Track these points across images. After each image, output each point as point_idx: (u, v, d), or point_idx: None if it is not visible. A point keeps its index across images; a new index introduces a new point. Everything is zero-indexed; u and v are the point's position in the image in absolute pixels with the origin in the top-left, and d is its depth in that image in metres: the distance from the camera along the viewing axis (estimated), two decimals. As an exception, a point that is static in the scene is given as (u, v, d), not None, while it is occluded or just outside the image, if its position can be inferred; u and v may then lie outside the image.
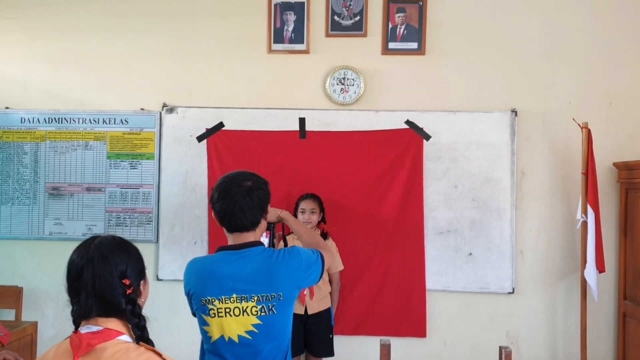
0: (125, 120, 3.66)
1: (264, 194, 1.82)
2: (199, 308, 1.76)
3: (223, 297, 1.73)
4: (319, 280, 1.93)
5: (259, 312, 1.73)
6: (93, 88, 3.71)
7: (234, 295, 1.73)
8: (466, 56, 3.54)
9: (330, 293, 3.34)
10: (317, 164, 3.53)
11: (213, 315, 1.73)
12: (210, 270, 1.76)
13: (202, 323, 1.78)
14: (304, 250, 1.89)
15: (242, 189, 1.77)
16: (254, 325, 1.74)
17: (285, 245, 2.39)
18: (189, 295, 1.81)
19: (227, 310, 1.73)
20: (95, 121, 3.68)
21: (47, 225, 3.68)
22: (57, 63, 3.73)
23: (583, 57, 3.50)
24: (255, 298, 1.73)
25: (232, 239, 1.82)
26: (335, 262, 3.32)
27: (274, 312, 1.75)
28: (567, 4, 3.51)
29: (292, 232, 2.19)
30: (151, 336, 3.76)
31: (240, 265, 1.75)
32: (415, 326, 3.50)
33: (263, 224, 1.86)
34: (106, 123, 3.67)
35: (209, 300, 1.73)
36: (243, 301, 1.72)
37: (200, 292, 1.75)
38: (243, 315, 1.73)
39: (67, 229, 3.67)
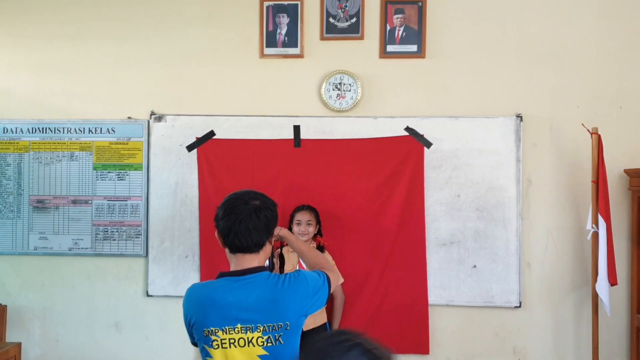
0: (112, 130, 3.50)
1: (271, 215, 1.72)
2: (201, 339, 1.66)
3: (227, 327, 1.63)
4: (325, 305, 1.81)
5: (265, 343, 1.63)
6: (78, 96, 3.56)
7: (239, 326, 1.63)
8: (468, 59, 3.37)
9: (333, 308, 3.20)
10: (313, 173, 3.37)
11: (217, 346, 1.63)
12: (212, 298, 1.66)
13: (205, 354, 1.67)
14: (309, 274, 1.78)
15: (249, 207, 1.68)
16: (260, 357, 1.64)
17: (282, 262, 2.26)
18: (189, 324, 1.70)
19: (232, 341, 1.63)
20: (80, 131, 3.52)
21: (32, 239, 3.53)
22: (41, 71, 3.58)
23: (591, 59, 3.33)
24: (261, 328, 1.63)
25: (234, 262, 1.70)
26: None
27: (280, 343, 1.64)
28: (574, 4, 3.35)
29: (287, 245, 2.06)
30: (142, 353, 3.61)
31: (244, 293, 1.65)
32: (418, 342, 3.34)
33: (268, 248, 1.75)
34: (92, 133, 3.51)
35: (211, 330, 1.63)
36: (248, 331, 1.63)
37: (202, 322, 1.65)
38: (248, 346, 1.63)
39: (53, 244, 3.52)
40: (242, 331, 1.63)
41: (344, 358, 1.13)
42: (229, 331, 1.62)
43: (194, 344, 1.75)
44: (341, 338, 1.18)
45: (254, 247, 1.68)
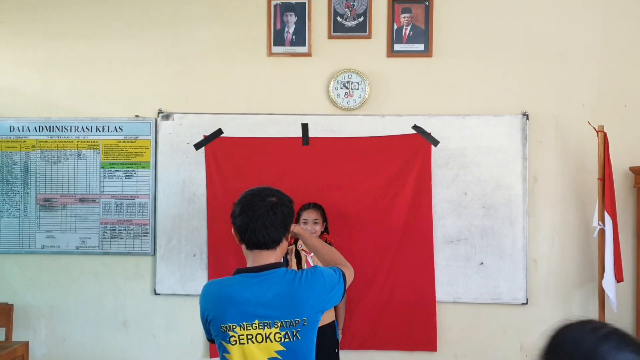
0: (120, 128, 3.50)
1: (288, 211, 1.73)
2: (219, 335, 1.67)
3: (244, 323, 1.64)
4: (341, 301, 1.81)
5: (283, 339, 1.65)
6: (85, 95, 3.55)
7: (256, 321, 1.64)
8: (475, 58, 3.40)
9: (335, 306, 3.20)
10: (321, 171, 3.38)
11: (234, 342, 1.64)
12: (229, 294, 1.67)
13: (223, 350, 1.68)
14: (326, 270, 1.78)
15: (266, 203, 1.69)
16: (278, 352, 1.65)
17: (299, 259, 2.27)
18: (206, 321, 1.70)
19: (249, 337, 1.64)
20: (88, 129, 3.52)
21: (39, 238, 3.52)
22: (48, 69, 3.57)
23: (596, 57, 3.36)
24: (279, 324, 1.64)
25: (251, 259, 1.72)
26: None
27: (298, 338, 1.66)
28: (580, 3, 3.38)
29: (299, 241, 2.07)
30: (149, 352, 3.62)
31: (261, 289, 1.66)
32: (425, 339, 3.36)
33: (284, 244, 1.76)
34: (99, 131, 3.51)
35: (229, 327, 1.64)
36: (266, 327, 1.64)
37: (220, 319, 1.66)
38: (266, 342, 1.64)
39: (60, 242, 3.51)
40: (260, 327, 1.63)
41: (603, 346, 1.06)
42: (247, 327, 1.63)
43: (210, 340, 1.75)
44: (593, 325, 1.12)
45: (271, 244, 1.70)
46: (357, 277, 3.23)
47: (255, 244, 1.69)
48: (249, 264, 1.72)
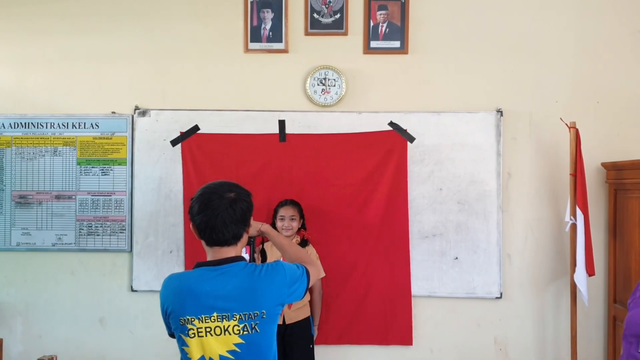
0: (96, 125, 3.49)
1: (247, 206, 1.73)
2: (178, 328, 1.67)
3: (203, 316, 1.64)
4: (304, 297, 1.82)
5: (241, 331, 1.65)
6: (61, 91, 3.53)
7: (215, 314, 1.65)
8: (450, 55, 3.43)
9: (311, 301, 3.22)
10: (298, 168, 3.40)
11: (193, 335, 1.65)
12: (189, 287, 1.67)
13: (182, 344, 1.68)
14: (288, 265, 1.80)
15: (224, 200, 1.68)
16: (237, 345, 1.65)
17: (264, 258, 2.26)
18: (166, 314, 1.71)
19: (208, 329, 1.64)
20: (64, 126, 3.50)
21: (14, 235, 3.49)
22: (24, 65, 3.54)
23: (569, 55, 3.41)
24: (237, 317, 1.65)
25: (211, 254, 1.72)
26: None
27: (257, 331, 1.66)
28: (554, 3, 3.42)
29: (268, 240, 2.08)
30: (126, 348, 3.61)
31: (220, 282, 1.66)
32: (401, 334, 3.39)
33: (245, 237, 1.77)
34: (76, 127, 3.49)
35: (188, 319, 1.65)
36: (224, 320, 1.65)
37: (179, 311, 1.66)
38: (224, 334, 1.65)
39: (36, 239, 3.49)
40: (218, 320, 1.64)
41: None
42: (205, 320, 1.64)
43: (171, 335, 1.76)
44: None
45: (232, 240, 1.71)
46: (334, 273, 3.30)
47: (216, 241, 1.70)
48: (209, 258, 1.73)
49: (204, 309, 1.64)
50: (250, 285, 1.67)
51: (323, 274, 3.21)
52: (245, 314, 1.65)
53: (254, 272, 1.70)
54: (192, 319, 1.64)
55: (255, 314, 1.66)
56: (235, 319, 1.65)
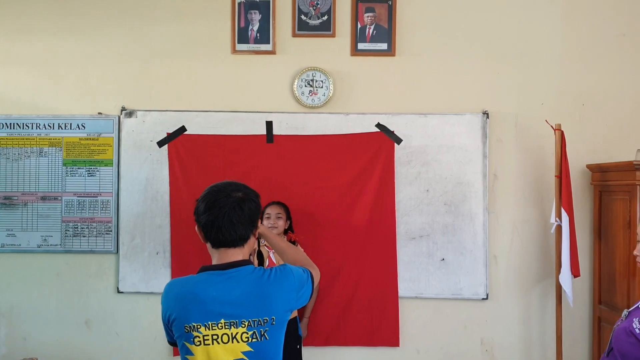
0: (82, 125, 3.47)
1: (255, 206, 1.66)
2: (182, 335, 1.58)
3: (210, 322, 1.56)
4: (309, 301, 1.75)
5: (250, 339, 1.57)
6: (47, 91, 3.51)
7: (222, 321, 1.56)
8: (436, 57, 3.44)
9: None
10: (286, 169, 3.40)
11: (198, 343, 1.56)
12: (194, 293, 1.58)
13: (186, 352, 1.59)
14: (295, 269, 1.72)
15: (232, 199, 1.61)
16: (244, 353, 1.57)
17: (261, 260, 2.22)
18: (169, 321, 1.62)
19: (215, 337, 1.56)
20: (50, 126, 3.48)
21: (-1, 237, 3.48)
22: (9, 65, 3.52)
23: (555, 58, 3.44)
24: (246, 323, 1.57)
25: (217, 257, 1.64)
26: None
27: (266, 338, 1.59)
28: (540, 5, 3.44)
29: (263, 240, 2.02)
30: (112, 350, 3.56)
31: (227, 287, 1.58)
32: (388, 335, 3.39)
33: (252, 240, 1.68)
34: (62, 128, 3.47)
35: (193, 326, 1.56)
36: (232, 327, 1.56)
37: (184, 318, 1.57)
38: (232, 342, 1.57)
39: (21, 241, 3.47)
40: (226, 327, 1.56)
41: None
42: (212, 327, 1.56)
43: (172, 343, 1.68)
44: None
45: (238, 241, 1.63)
46: (322, 274, 3.26)
47: (222, 242, 1.62)
48: (215, 262, 1.65)
49: (210, 315, 1.56)
50: (260, 291, 1.60)
51: (319, 275, 3.20)
52: (254, 321, 1.58)
53: (263, 276, 1.63)
54: (198, 326, 1.56)
55: (265, 320, 1.59)
56: (244, 325, 1.57)
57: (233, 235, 1.61)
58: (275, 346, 1.62)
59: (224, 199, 1.61)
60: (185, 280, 1.65)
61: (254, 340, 1.57)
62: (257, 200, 1.68)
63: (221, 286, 1.59)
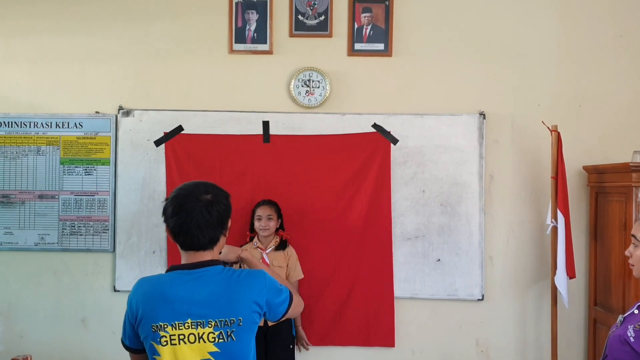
0: (80, 124, 3.48)
1: (224, 208, 1.65)
2: (149, 335, 1.58)
3: (177, 322, 1.56)
4: (282, 318, 1.72)
5: (217, 339, 1.57)
6: (45, 91, 3.52)
7: (189, 321, 1.57)
8: (433, 58, 3.44)
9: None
10: (282, 169, 3.40)
11: (165, 343, 1.56)
12: (162, 292, 1.59)
13: (152, 352, 1.59)
14: (270, 276, 1.69)
15: (200, 203, 1.60)
16: (211, 353, 1.57)
17: None
18: (135, 320, 1.61)
19: (181, 337, 1.57)
20: (47, 125, 3.49)
21: (-4, 235, 3.49)
22: (7, 64, 3.54)
23: (552, 59, 3.43)
24: (213, 323, 1.57)
25: (186, 257, 1.65)
26: (295, 271, 3.24)
27: (233, 339, 1.58)
28: (536, 7, 3.44)
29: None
30: (109, 349, 3.54)
31: (195, 286, 1.59)
32: (384, 335, 3.40)
33: (222, 241, 1.69)
34: (59, 127, 3.49)
35: (160, 326, 1.56)
36: (199, 327, 1.57)
37: (150, 317, 1.57)
38: (199, 342, 1.57)
39: (18, 239, 3.48)
40: (193, 326, 1.57)
41: None
42: (179, 326, 1.56)
43: (129, 348, 1.67)
44: None
45: (208, 245, 1.63)
46: (317, 274, 3.31)
47: (190, 245, 1.62)
48: (184, 262, 1.65)
49: (177, 314, 1.56)
50: (227, 291, 1.59)
51: (301, 276, 3.23)
52: (220, 321, 1.57)
53: (232, 276, 1.63)
54: (165, 326, 1.56)
55: (232, 321, 1.58)
56: (210, 325, 1.57)
57: (202, 239, 1.61)
58: (242, 347, 1.61)
59: (191, 202, 1.60)
60: (154, 279, 1.66)
61: (220, 340, 1.57)
62: (226, 201, 1.68)
63: (189, 286, 1.59)
